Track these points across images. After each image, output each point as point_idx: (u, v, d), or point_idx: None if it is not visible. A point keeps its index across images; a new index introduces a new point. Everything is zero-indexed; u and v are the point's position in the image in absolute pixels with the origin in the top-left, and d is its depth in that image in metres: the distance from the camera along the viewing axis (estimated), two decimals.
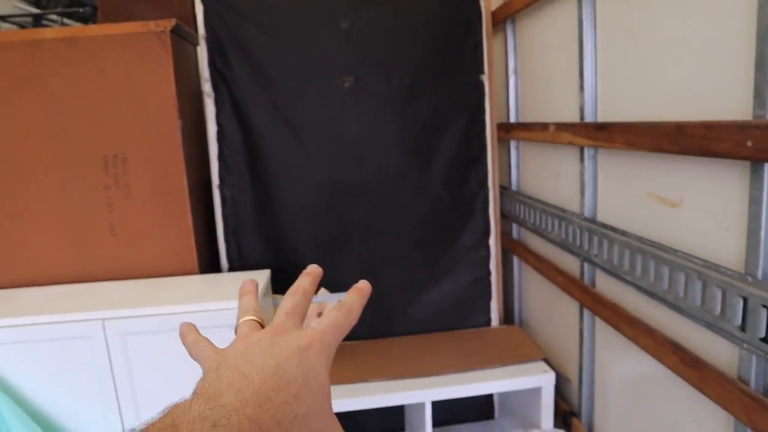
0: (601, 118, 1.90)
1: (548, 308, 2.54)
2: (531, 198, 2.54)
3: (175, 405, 0.40)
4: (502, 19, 2.70)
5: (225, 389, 0.41)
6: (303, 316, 0.54)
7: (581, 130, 1.94)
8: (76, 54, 2.15)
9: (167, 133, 2.18)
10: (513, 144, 2.77)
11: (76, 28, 2.41)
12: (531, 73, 2.55)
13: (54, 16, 3.81)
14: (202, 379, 0.44)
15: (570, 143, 2.05)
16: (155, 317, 1.90)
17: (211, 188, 2.42)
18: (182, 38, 2.30)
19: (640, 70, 1.64)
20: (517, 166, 2.80)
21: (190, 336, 0.54)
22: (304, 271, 0.58)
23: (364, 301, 0.55)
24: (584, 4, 1.90)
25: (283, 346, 0.47)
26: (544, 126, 2.29)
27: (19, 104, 2.16)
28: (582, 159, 2.02)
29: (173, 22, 2.12)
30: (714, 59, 1.32)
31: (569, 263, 2.21)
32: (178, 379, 1.93)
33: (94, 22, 3.24)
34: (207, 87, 2.33)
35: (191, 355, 0.53)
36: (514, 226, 2.82)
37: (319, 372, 0.47)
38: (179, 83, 2.19)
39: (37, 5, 4.39)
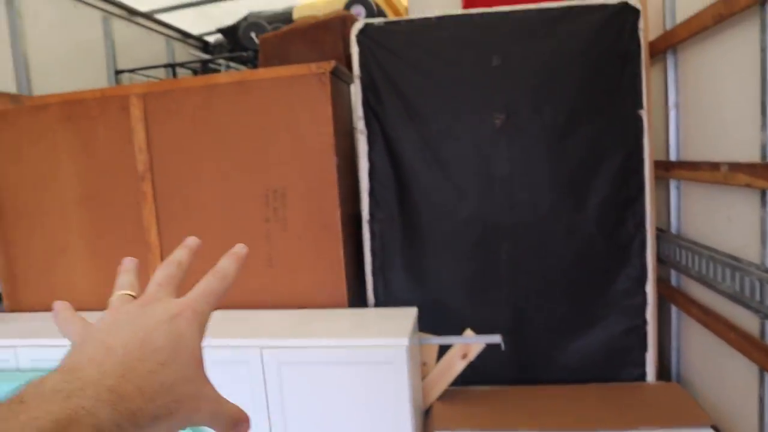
0: None
1: (715, 367, 2.29)
2: (695, 243, 2.32)
3: (30, 381, 0.38)
4: (661, 50, 2.56)
5: (86, 363, 0.40)
6: (177, 288, 0.51)
7: (763, 172, 1.75)
8: (245, 96, 2.32)
9: (324, 169, 2.28)
10: (673, 183, 2.57)
11: (245, 72, 2.61)
12: (696, 107, 2.37)
13: (221, 60, 4.20)
14: (66, 355, 0.42)
15: (748, 185, 1.85)
16: (311, 349, 1.95)
17: (361, 223, 2.48)
18: (339, 78, 2.41)
19: None
20: (678, 207, 2.59)
21: (62, 313, 0.51)
22: (183, 243, 0.56)
23: (239, 266, 0.53)
24: None
25: (152, 315, 0.45)
26: (714, 165, 2.10)
27: (197, 141, 2.38)
28: (764, 204, 1.81)
29: (332, 64, 2.23)
30: None
31: (744, 319, 1.98)
32: (329, 410, 1.97)
33: (255, 65, 3.51)
34: (360, 124, 2.41)
35: (62, 332, 0.50)
36: (673, 273, 2.59)
37: (189, 339, 0.45)
38: (336, 122, 2.29)
39: (206, 51, 4.88)
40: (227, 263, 0.53)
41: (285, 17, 4.01)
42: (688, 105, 2.44)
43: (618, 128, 2.36)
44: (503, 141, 2.34)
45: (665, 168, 2.57)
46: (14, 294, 2.67)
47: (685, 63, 2.45)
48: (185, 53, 4.70)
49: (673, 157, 2.56)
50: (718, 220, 2.18)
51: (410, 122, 2.37)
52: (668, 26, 2.52)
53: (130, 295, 0.52)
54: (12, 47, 2.96)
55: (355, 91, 2.40)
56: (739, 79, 1.95)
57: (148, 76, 3.84)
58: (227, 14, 4.32)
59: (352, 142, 2.56)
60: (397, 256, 2.44)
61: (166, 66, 4.07)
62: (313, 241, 2.32)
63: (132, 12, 3.98)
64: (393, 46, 2.37)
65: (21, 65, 2.98)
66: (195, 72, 4.31)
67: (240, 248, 0.55)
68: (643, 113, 2.37)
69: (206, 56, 4.66)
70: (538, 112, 2.33)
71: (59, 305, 0.54)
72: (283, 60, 3.26)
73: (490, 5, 3.53)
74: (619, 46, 2.34)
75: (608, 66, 2.34)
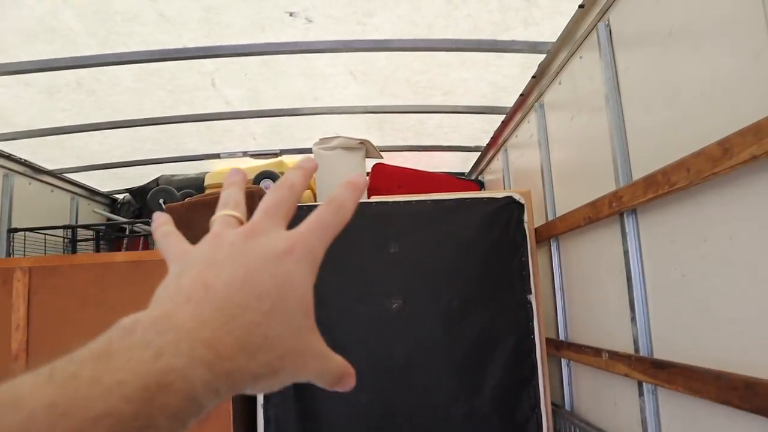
0: (658, 353, 1.84)
1: None
2: (587, 423, 2.38)
3: (121, 321, 0.32)
4: (546, 237, 2.79)
5: (182, 305, 0.34)
6: (288, 216, 0.44)
7: (637, 364, 1.88)
8: (140, 274, 2.28)
9: None
10: (564, 362, 2.68)
11: (143, 252, 2.57)
12: (578, 291, 2.55)
13: (124, 220, 4.14)
14: (161, 287, 0.37)
15: (626, 375, 1.96)
16: None
17: (255, 407, 2.37)
18: None
19: (695, 312, 1.62)
20: (570, 384, 2.68)
21: (162, 228, 0.45)
22: (297, 164, 0.47)
23: (359, 195, 0.45)
24: (629, 239, 1.95)
25: (257, 251, 0.39)
26: (597, 351, 2.23)
27: (84, 320, 2.26)
28: (641, 393, 1.92)
29: None
30: None
31: None
32: None
33: None
34: None
35: (159, 248, 0.44)
36: None
37: (299, 283, 0.39)
38: None
39: (112, 209, 4.81)
40: (344, 192, 0.45)
41: (197, 183, 4.08)
42: (572, 288, 2.63)
43: (510, 312, 2.48)
44: (400, 325, 2.39)
45: (556, 347, 2.69)
46: None
47: (566, 251, 2.68)
48: (88, 210, 4.61)
49: (562, 337, 2.70)
50: (606, 402, 2.27)
51: None
52: (550, 216, 2.78)
53: (234, 217, 0.44)
54: None
55: None
56: (610, 275, 2.13)
57: (44, 235, 3.70)
58: (139, 175, 4.35)
59: None
60: None
61: (64, 227, 3.95)
62: (201, 429, 2.18)
63: (37, 170, 3.93)
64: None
65: None
66: (97, 232, 4.21)
67: (359, 177, 0.46)
68: (532, 298, 2.51)
69: (110, 215, 4.59)
70: (434, 297, 2.42)
71: (161, 218, 0.47)
72: (188, 229, 3.24)
73: (392, 193, 3.80)
74: (507, 236, 2.53)
75: (498, 254, 2.52)
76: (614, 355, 2.07)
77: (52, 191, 4.18)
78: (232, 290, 0.36)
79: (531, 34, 2.44)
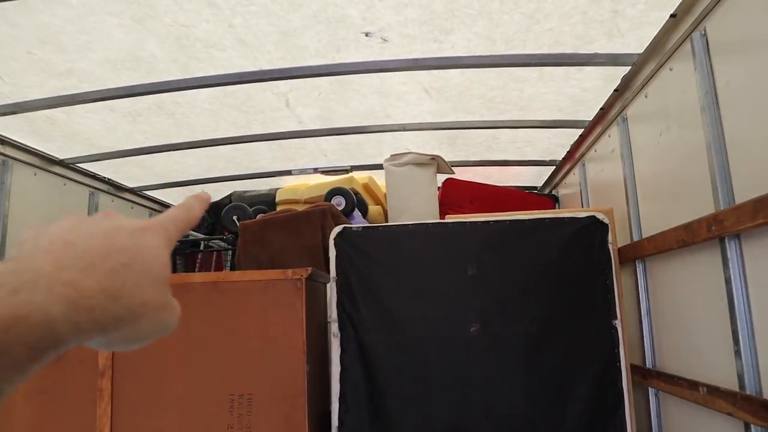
0: None
1: None
2: None
3: None
4: (630, 258, 2.64)
5: (40, 254, 0.37)
6: (178, 231, 0.48)
7: (744, 404, 1.72)
8: (218, 296, 2.30)
9: (293, 376, 2.20)
10: (652, 391, 2.52)
11: (221, 273, 2.61)
12: (668, 319, 2.39)
13: (201, 236, 4.26)
14: (16, 248, 0.39)
15: (730, 414, 1.81)
16: None
17: (330, 429, 2.34)
18: (315, 281, 2.42)
19: None
20: (658, 416, 2.51)
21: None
22: (196, 195, 0.55)
23: (204, 205, 0.53)
24: (731, 266, 1.80)
25: (117, 221, 0.43)
26: (693, 384, 2.07)
27: (162, 338, 2.29)
28: None
29: (309, 271, 2.25)
30: None
31: None
32: None
33: (234, 246, 3.56)
34: (334, 327, 2.38)
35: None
36: None
37: (155, 249, 0.43)
38: (309, 325, 2.25)
39: None
40: (192, 199, 0.53)
41: (268, 199, 4.15)
42: (661, 314, 2.47)
43: (593, 338, 2.35)
44: (478, 351, 2.31)
45: (643, 375, 2.53)
46: None
47: (654, 273, 2.52)
48: None
49: (649, 364, 2.54)
50: None
51: (385, 328, 2.35)
52: (635, 236, 2.63)
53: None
54: None
55: (331, 293, 2.40)
56: (709, 303, 1.98)
57: None
58: (213, 191, 4.46)
59: (326, 343, 2.51)
60: None
61: None
62: None
63: (119, 188, 4.10)
64: (370, 251, 2.41)
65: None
66: (174, 249, 4.33)
67: (203, 194, 0.55)
68: (618, 324, 2.38)
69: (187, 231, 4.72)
70: (514, 321, 2.33)
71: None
72: (262, 246, 3.31)
73: (464, 208, 3.72)
74: (589, 258, 2.41)
75: (580, 277, 2.39)
76: (714, 391, 1.91)
77: (132, 208, 4.34)
78: (91, 244, 0.39)
79: (615, 46, 2.32)
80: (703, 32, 1.96)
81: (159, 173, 3.95)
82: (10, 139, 3.05)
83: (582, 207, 3.48)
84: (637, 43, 2.29)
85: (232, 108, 2.95)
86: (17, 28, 2.15)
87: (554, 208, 4.15)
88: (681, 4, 1.98)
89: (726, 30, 1.84)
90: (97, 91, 2.65)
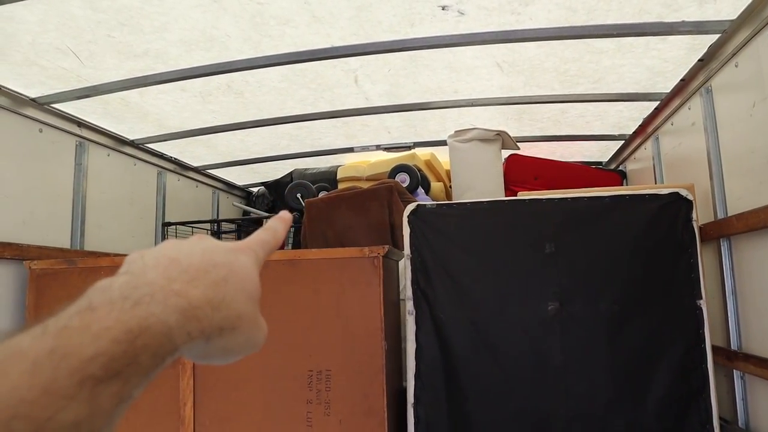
0: None
1: None
2: None
3: (96, 285, 0.37)
4: (713, 236, 2.54)
5: (150, 268, 0.40)
6: (265, 252, 0.52)
7: None
8: (294, 274, 2.32)
9: (371, 354, 2.21)
10: (737, 374, 2.44)
11: (297, 251, 2.63)
12: (755, 300, 2.30)
13: (264, 213, 4.32)
14: (125, 263, 0.42)
15: None
16: None
17: (406, 405, 2.36)
18: (389, 258, 2.41)
19: None
20: (744, 400, 2.43)
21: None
22: (279, 215, 0.59)
23: (287, 227, 0.57)
24: None
25: (211, 241, 0.46)
26: None
27: None
28: None
29: (386, 249, 2.24)
30: None
31: None
32: None
33: (299, 224, 3.60)
34: (409, 305, 2.37)
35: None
36: None
37: (247, 267, 0.46)
38: (385, 302, 2.26)
39: (248, 201, 5.04)
40: (276, 222, 0.57)
41: (329, 176, 4.16)
42: (749, 293, 2.37)
43: (677, 319, 2.27)
44: (557, 329, 2.26)
45: (727, 357, 2.45)
46: None
47: (740, 252, 2.42)
48: (229, 204, 4.86)
49: (734, 346, 2.45)
50: None
51: (460, 305, 2.33)
52: (720, 214, 2.52)
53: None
54: (73, 204, 3.08)
55: (405, 270, 2.39)
56: None
57: (192, 227, 3.93)
58: (273, 170, 4.50)
59: (398, 319, 2.51)
60: None
61: (210, 222, 4.18)
62: (357, 426, 2.20)
63: (185, 167, 4.18)
64: (444, 228, 2.39)
65: (78, 221, 3.08)
66: (238, 225, 4.42)
67: (284, 213, 0.59)
68: (703, 304, 2.29)
69: (247, 208, 4.80)
70: (593, 300, 2.27)
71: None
72: (328, 224, 3.33)
73: (528, 184, 3.64)
74: (672, 236, 2.32)
75: (663, 255, 2.31)
76: None
77: (197, 186, 4.44)
78: (193, 260, 0.42)
79: (706, 12, 2.20)
80: None
81: (223, 152, 4.00)
82: (87, 122, 3.14)
83: (655, 183, 3.35)
84: (730, 8, 2.16)
85: (300, 86, 2.94)
86: (99, 12, 2.18)
87: (621, 184, 4.03)
88: None
89: None
90: (170, 71, 2.69)
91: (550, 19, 2.27)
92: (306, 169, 4.40)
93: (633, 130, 3.59)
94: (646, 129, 3.45)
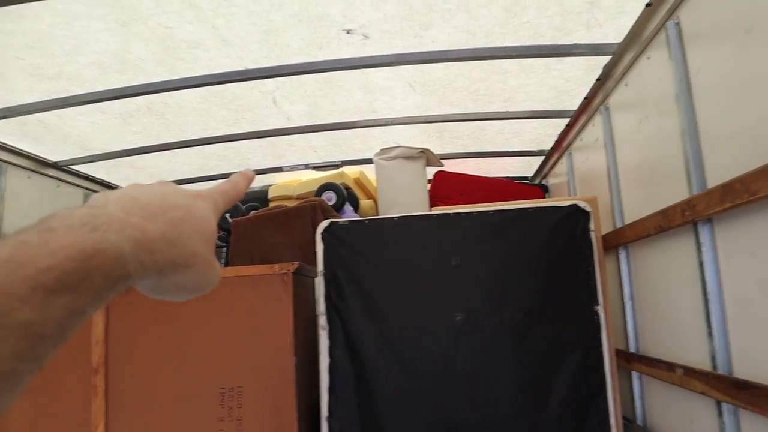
0: (739, 371, 1.73)
1: None
2: None
3: (56, 212, 0.39)
4: (614, 245, 2.69)
5: (112, 203, 0.43)
6: (226, 203, 0.55)
7: (716, 383, 1.77)
8: (209, 292, 2.34)
9: (282, 369, 2.25)
10: (635, 375, 2.57)
11: None
12: (649, 304, 2.44)
13: None
14: (90, 199, 0.45)
15: (703, 393, 1.86)
16: None
17: (320, 419, 2.39)
18: (303, 275, 2.46)
19: None
20: (641, 398, 2.57)
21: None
22: (242, 172, 0.62)
23: (248, 182, 0.61)
24: (704, 250, 1.85)
25: (173, 186, 0.49)
26: (670, 366, 2.12)
27: (154, 335, 2.35)
28: (720, 413, 1.81)
29: (296, 265, 2.29)
30: None
31: None
32: None
33: (227, 242, 3.61)
34: (322, 320, 2.42)
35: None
36: None
37: (205, 212, 0.49)
38: (297, 319, 2.30)
39: None
40: (238, 176, 0.60)
41: (261, 195, 4.18)
42: (643, 298, 2.52)
43: (576, 325, 2.39)
44: (463, 339, 2.35)
45: (626, 359, 2.59)
46: None
47: (636, 259, 2.57)
48: None
49: (632, 349, 2.59)
50: (682, 420, 2.16)
51: (371, 319, 2.39)
52: (618, 224, 2.68)
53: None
54: None
55: (319, 286, 2.44)
56: (685, 285, 2.03)
57: None
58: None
59: (314, 334, 2.55)
60: None
61: None
62: None
63: (112, 188, 4.14)
64: (356, 244, 2.45)
65: None
66: None
67: (249, 171, 0.63)
68: (600, 310, 2.42)
69: None
70: (498, 311, 2.37)
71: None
72: (254, 242, 3.35)
73: (454, 200, 3.76)
74: (572, 246, 2.44)
75: (563, 265, 2.43)
76: (690, 372, 1.96)
77: None
78: (153, 200, 0.45)
79: (594, 36, 2.36)
80: (676, 21, 1.99)
81: (151, 173, 3.99)
82: (3, 143, 3.09)
83: (569, 196, 3.52)
84: (615, 33, 2.32)
85: (220, 107, 2.99)
86: (4, 34, 2.19)
87: (544, 198, 4.19)
88: None
89: (698, 19, 1.88)
90: (86, 93, 2.69)
91: (451, 42, 2.39)
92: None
93: (550, 146, 3.76)
94: (561, 144, 3.62)
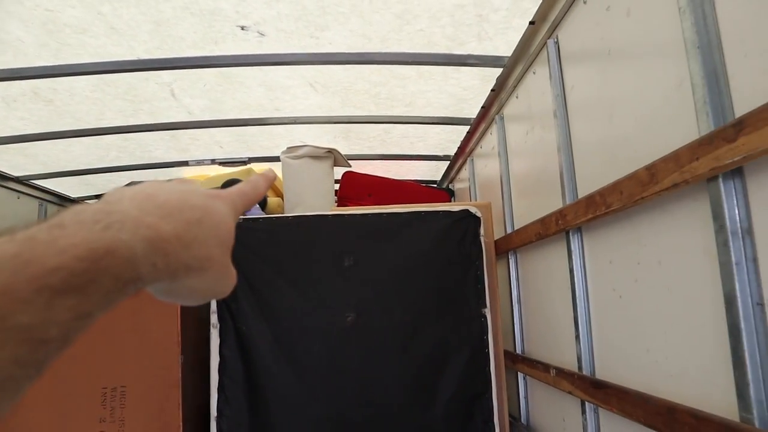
0: (600, 372, 1.85)
1: None
2: None
3: (70, 207, 0.38)
4: (504, 250, 2.80)
5: (126, 200, 0.40)
6: (244, 206, 0.53)
7: (579, 383, 1.89)
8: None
9: (167, 368, 2.20)
10: (521, 375, 2.69)
11: None
12: (533, 308, 2.56)
13: None
14: (105, 195, 0.42)
15: (570, 393, 1.97)
16: None
17: (209, 420, 2.35)
18: None
19: (629, 334, 1.63)
20: (526, 398, 2.69)
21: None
22: (263, 172, 0.60)
23: (269, 184, 0.58)
24: (574, 257, 1.96)
25: (192, 185, 0.47)
26: (546, 367, 2.24)
27: (78, 343, 2.23)
28: (583, 411, 1.93)
29: None
30: (700, 345, 1.30)
31: None
32: None
33: None
34: (213, 318, 2.39)
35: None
36: None
37: (223, 214, 0.47)
38: (186, 318, 2.25)
39: None
40: (258, 178, 0.57)
41: None
42: (528, 302, 2.64)
43: (464, 326, 2.48)
44: (353, 339, 2.38)
45: (513, 360, 2.70)
46: None
47: (523, 264, 2.69)
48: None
49: (519, 350, 2.71)
50: (556, 418, 2.28)
51: (263, 319, 2.38)
52: (509, 229, 2.79)
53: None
54: None
55: None
56: (559, 291, 2.14)
57: None
58: (109, 182, 4.32)
59: (206, 333, 2.51)
60: None
61: None
62: None
63: (2, 177, 3.89)
64: (250, 243, 2.43)
65: None
66: None
67: (269, 171, 0.61)
68: (487, 312, 2.52)
69: None
70: (388, 311, 2.42)
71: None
72: None
73: (362, 201, 3.79)
74: (463, 250, 2.53)
75: (453, 268, 2.51)
76: (560, 372, 2.08)
77: (18, 198, 4.14)
78: (170, 198, 0.43)
79: (486, 48, 2.44)
80: (555, 40, 2.10)
81: (44, 162, 3.78)
82: None
83: (470, 201, 3.63)
84: (505, 46, 2.42)
85: (114, 96, 2.87)
86: None
87: (450, 202, 4.31)
88: (538, 12, 2.12)
89: (572, 39, 1.99)
90: None
91: (348, 45, 2.40)
92: (142, 182, 4.26)
93: (455, 152, 3.87)
94: (464, 150, 3.73)
